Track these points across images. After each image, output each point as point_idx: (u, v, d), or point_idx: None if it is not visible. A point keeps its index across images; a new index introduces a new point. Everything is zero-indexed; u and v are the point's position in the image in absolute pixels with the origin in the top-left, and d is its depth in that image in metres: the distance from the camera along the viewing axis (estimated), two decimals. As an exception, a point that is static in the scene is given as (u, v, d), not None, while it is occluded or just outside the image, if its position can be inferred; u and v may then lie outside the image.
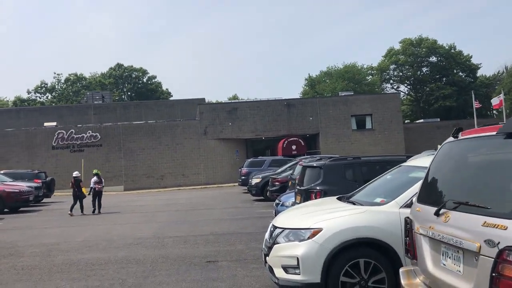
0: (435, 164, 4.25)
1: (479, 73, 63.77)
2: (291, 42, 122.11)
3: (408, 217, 4.38)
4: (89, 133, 36.18)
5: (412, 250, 4.20)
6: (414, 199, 4.52)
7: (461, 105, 59.13)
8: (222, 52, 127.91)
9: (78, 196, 17.65)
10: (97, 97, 46.36)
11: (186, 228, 13.20)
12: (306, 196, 9.26)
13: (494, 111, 67.69)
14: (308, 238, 5.40)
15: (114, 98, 61.53)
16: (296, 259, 5.36)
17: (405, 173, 6.67)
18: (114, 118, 43.76)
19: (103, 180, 19.12)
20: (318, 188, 9.09)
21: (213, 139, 36.21)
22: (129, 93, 71.62)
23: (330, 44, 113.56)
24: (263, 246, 6.23)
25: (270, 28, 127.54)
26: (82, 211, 17.69)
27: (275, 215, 12.14)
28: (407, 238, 4.35)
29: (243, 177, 24.77)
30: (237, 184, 33.15)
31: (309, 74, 74.43)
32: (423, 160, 6.69)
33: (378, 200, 6.25)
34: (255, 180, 19.88)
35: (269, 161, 25.05)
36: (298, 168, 15.50)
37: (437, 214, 3.66)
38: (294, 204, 11.15)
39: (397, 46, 63.37)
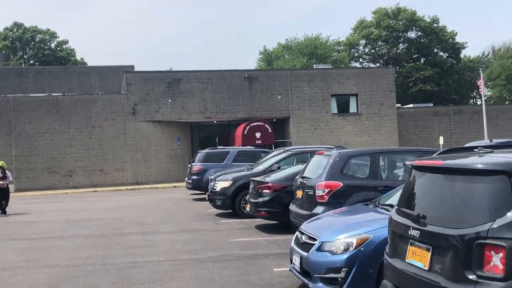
0: None
1: (463, 54, 61.46)
2: (244, 10, 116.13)
3: None
4: (-37, 108, 28.64)
5: None
6: None
7: (443, 91, 56.47)
8: (158, 20, 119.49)
9: None
10: (-20, 60, 38.06)
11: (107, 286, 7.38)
12: (456, 256, 3.66)
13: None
14: None
15: (8, 65, 52.75)
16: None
17: None
18: (4, 89, 35.94)
19: (9, 174, 17.72)
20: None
21: (145, 121, 29.82)
22: (31, 61, 62.68)
23: (290, 12, 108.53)
24: None
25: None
26: None
27: (301, 273, 6.52)
28: None
29: (194, 177, 18.89)
30: (177, 184, 27.16)
31: (264, 46, 68.97)
32: None
33: None
34: (221, 184, 14.03)
35: (235, 154, 19.27)
36: (317, 162, 9.95)
37: None
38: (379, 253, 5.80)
39: (370, 18, 59.70)
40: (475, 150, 4.59)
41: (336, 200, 8.98)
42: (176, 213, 15.63)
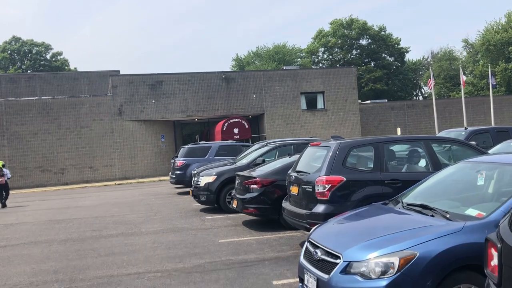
0: None
1: (406, 57, 60.15)
2: (218, 26, 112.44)
3: None
4: (-44, 113, 25.11)
5: None
6: None
7: (391, 89, 55.15)
8: (142, 35, 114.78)
9: None
10: (-26, 68, 34.10)
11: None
12: None
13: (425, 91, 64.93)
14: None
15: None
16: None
17: None
18: (-2, 94, 32.32)
19: (6, 172, 16.61)
20: None
21: (131, 120, 26.89)
22: (29, 71, 58.15)
23: (259, 27, 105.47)
24: None
25: (195, 11, 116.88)
26: None
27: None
28: None
29: (178, 172, 16.25)
30: (162, 178, 24.45)
31: (237, 54, 66.28)
32: None
33: None
34: (205, 179, 11.51)
35: (216, 148, 16.69)
36: (312, 155, 7.59)
37: None
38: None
39: (327, 28, 57.72)
40: None
41: (339, 197, 6.62)
42: (160, 209, 13.00)
